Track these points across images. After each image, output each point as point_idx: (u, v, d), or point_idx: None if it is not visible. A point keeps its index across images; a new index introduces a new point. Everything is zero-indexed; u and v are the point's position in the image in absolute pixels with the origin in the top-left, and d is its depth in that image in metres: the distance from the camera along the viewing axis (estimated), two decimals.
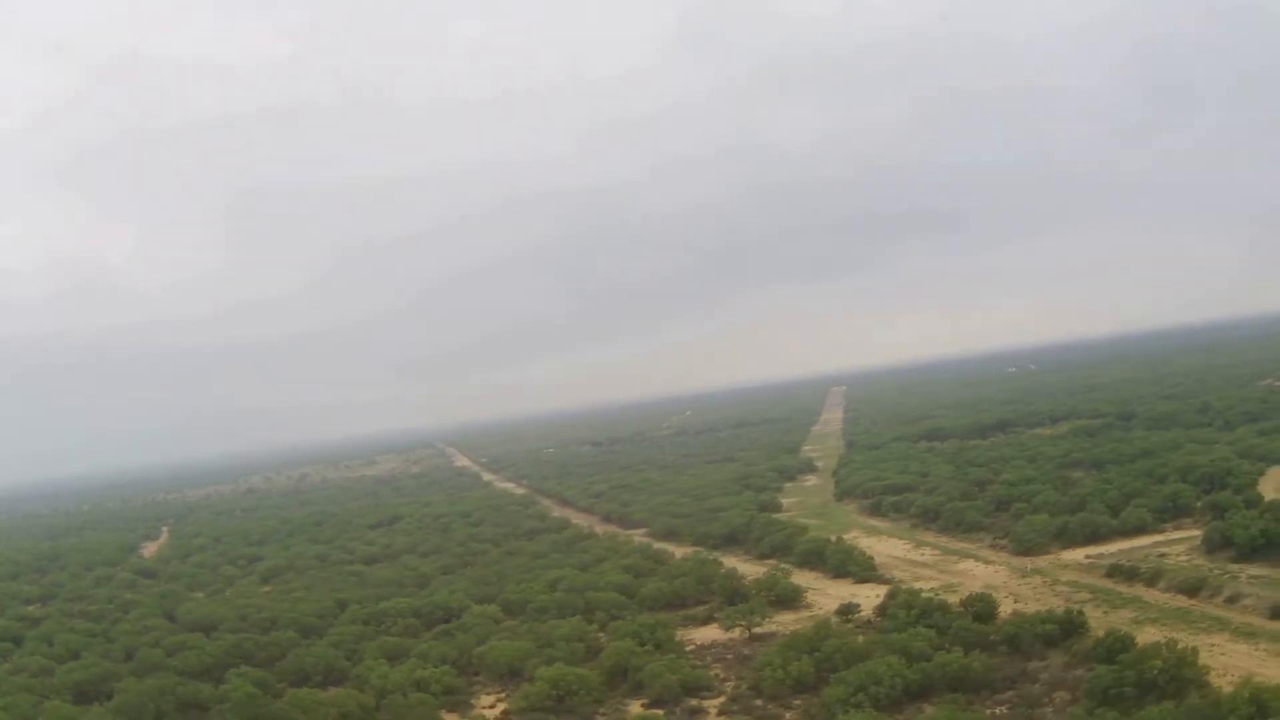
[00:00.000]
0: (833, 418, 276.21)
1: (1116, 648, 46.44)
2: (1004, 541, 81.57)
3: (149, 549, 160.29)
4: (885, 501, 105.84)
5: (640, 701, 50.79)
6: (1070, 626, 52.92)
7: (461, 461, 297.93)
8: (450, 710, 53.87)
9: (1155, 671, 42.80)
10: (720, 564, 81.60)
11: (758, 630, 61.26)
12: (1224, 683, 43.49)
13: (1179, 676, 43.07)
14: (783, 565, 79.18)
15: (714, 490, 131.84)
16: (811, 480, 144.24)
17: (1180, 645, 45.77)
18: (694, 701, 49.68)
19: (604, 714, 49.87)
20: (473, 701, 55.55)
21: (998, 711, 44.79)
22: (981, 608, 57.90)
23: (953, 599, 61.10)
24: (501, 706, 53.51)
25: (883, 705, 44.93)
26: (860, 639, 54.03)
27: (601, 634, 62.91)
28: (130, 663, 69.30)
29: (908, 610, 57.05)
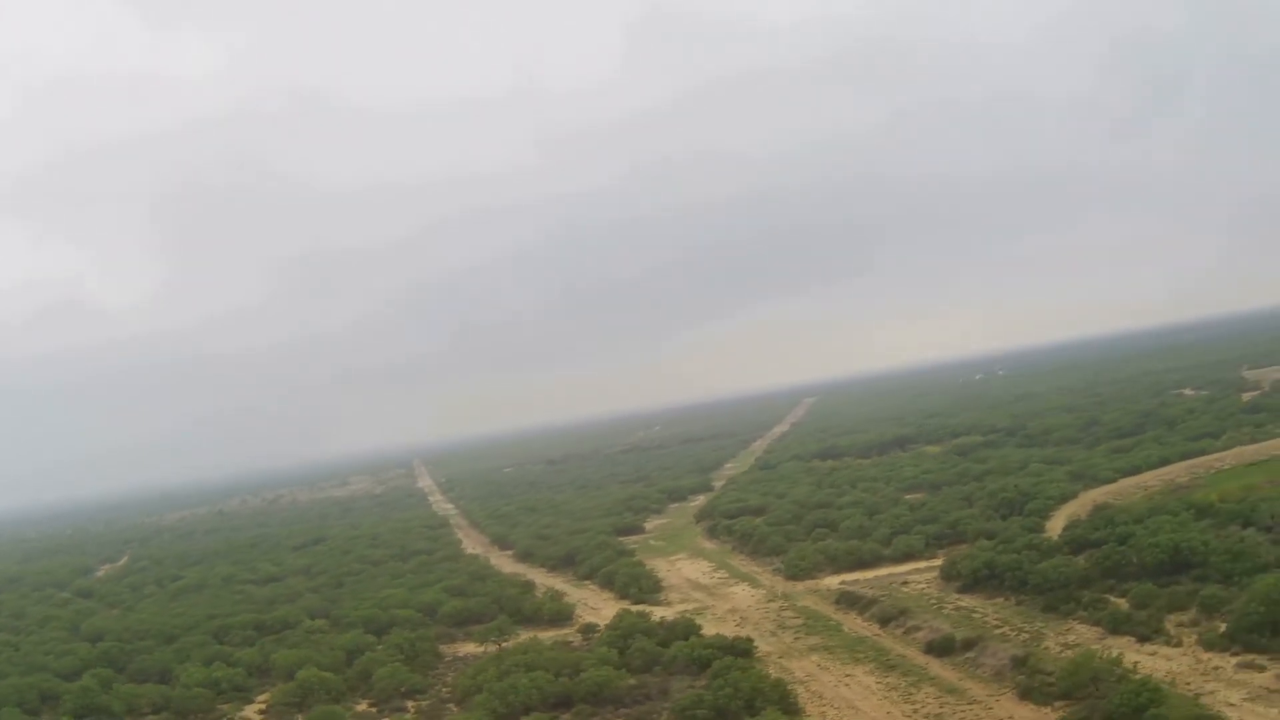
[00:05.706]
0: (779, 432, 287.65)
1: (722, 673, 54.94)
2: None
3: (104, 571, 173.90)
4: (720, 525, 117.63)
5: (368, 701, 63.74)
6: (736, 651, 60.60)
7: (424, 481, 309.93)
8: (233, 703, 67.46)
9: (728, 698, 51.06)
10: (532, 585, 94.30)
11: (507, 645, 73.18)
12: (820, 712, 51.49)
13: (753, 705, 50.99)
14: (555, 589, 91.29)
15: (598, 512, 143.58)
16: (699, 500, 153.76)
17: (774, 677, 53.95)
18: (405, 702, 62.68)
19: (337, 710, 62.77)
20: (254, 697, 69.01)
21: None
22: (681, 631, 68.00)
23: (699, 620, 71.76)
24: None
25: (515, 710, 55.66)
26: (547, 655, 64.39)
27: (380, 644, 75.51)
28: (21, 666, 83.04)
29: (611, 631, 69.23)
